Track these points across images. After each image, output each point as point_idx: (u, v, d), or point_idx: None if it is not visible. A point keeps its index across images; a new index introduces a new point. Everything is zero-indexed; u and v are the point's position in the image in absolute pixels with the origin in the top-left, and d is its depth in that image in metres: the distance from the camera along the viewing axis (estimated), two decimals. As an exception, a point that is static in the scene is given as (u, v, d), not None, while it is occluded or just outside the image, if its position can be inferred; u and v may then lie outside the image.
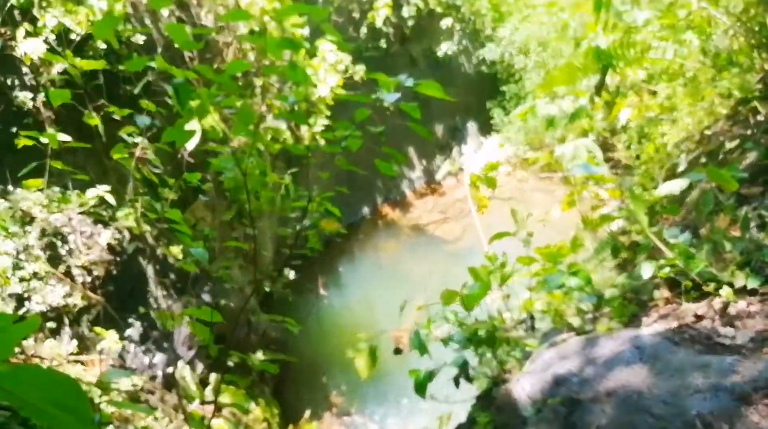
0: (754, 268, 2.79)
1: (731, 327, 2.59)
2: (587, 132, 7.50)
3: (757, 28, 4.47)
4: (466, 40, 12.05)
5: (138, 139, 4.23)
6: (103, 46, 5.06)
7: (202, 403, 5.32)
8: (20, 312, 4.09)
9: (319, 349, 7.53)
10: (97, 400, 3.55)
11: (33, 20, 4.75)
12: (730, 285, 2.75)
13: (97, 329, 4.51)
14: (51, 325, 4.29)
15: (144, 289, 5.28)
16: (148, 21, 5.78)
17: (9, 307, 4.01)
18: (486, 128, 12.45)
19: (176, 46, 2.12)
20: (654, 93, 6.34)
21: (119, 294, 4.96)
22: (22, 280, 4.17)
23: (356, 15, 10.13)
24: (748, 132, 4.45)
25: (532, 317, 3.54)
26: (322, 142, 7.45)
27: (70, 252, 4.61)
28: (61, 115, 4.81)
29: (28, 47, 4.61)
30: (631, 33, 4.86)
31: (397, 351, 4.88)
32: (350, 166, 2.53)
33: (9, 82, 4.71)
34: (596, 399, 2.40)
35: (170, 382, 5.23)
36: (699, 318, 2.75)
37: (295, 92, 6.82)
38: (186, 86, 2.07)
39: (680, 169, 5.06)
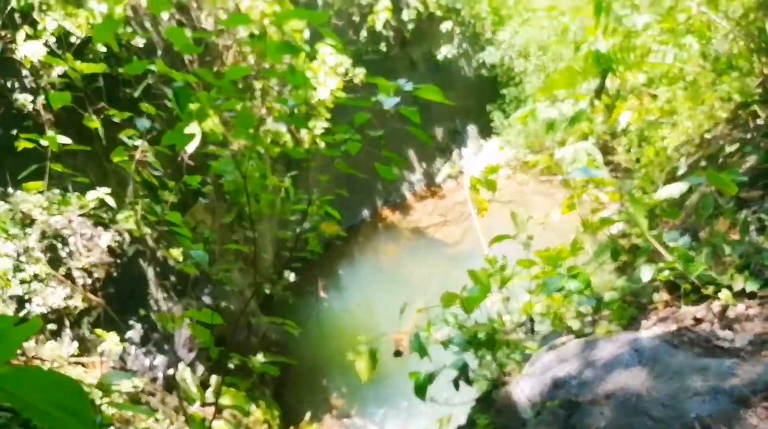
0: (754, 271, 2.79)
1: (730, 330, 2.60)
2: (587, 135, 7.52)
3: (756, 33, 4.48)
4: (466, 43, 12.07)
5: (138, 142, 4.23)
6: (103, 49, 5.07)
7: (203, 405, 5.32)
8: (21, 314, 4.09)
9: (319, 351, 7.53)
10: (98, 402, 3.55)
11: (33, 23, 4.77)
12: (729, 288, 2.76)
13: (98, 331, 4.51)
14: (52, 327, 4.30)
15: (144, 292, 5.28)
16: (148, 24, 5.80)
17: (10, 309, 4.01)
18: (486, 131, 12.46)
19: (176, 49, 2.13)
20: (654, 96, 6.35)
21: (120, 296, 4.96)
22: (22, 282, 4.18)
23: (356, 18, 10.15)
24: (748, 136, 4.46)
25: (531, 320, 3.54)
26: (322, 145, 7.46)
27: (70, 254, 4.62)
28: (61, 117, 4.82)
29: (28, 50, 4.63)
30: (631, 37, 4.87)
31: (397, 353, 4.88)
32: (350, 169, 2.54)
33: (9, 84, 4.72)
34: (595, 402, 2.40)
35: (171, 384, 5.23)
36: (698, 321, 2.76)
37: (294, 95, 6.84)
38: (186, 90, 2.08)
39: (680, 172, 5.07)
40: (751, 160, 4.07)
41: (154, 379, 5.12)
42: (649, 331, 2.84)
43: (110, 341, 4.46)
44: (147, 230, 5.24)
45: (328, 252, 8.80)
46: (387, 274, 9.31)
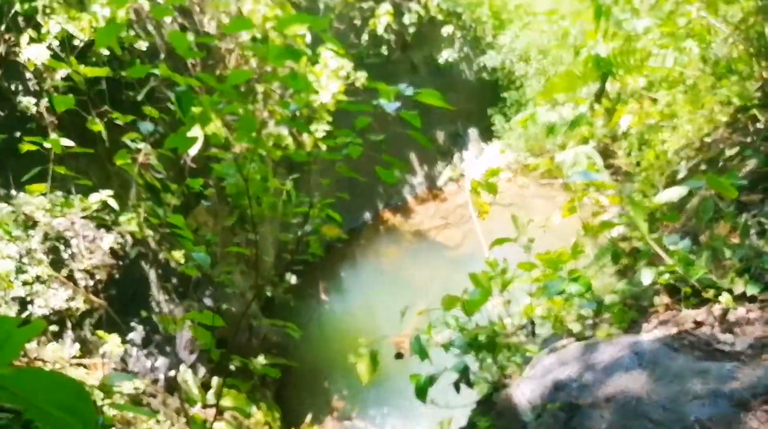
0: (754, 275, 2.79)
1: (730, 333, 2.60)
2: (587, 139, 7.53)
3: (755, 37, 4.50)
4: (467, 47, 12.09)
5: (141, 145, 4.25)
6: (107, 52, 5.10)
7: (204, 406, 5.33)
8: (23, 315, 4.11)
9: (320, 353, 7.54)
10: (99, 403, 3.56)
11: (37, 27, 4.79)
12: (730, 292, 2.76)
13: (100, 333, 4.53)
14: (53, 328, 4.32)
15: (146, 293, 5.30)
16: (150, 27, 5.82)
17: (12, 311, 4.03)
18: (487, 134, 12.47)
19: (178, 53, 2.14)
20: (654, 100, 6.37)
21: (121, 298, 4.98)
22: (25, 283, 4.20)
23: (358, 22, 10.18)
24: (748, 139, 4.47)
25: (532, 323, 3.55)
26: (323, 148, 7.47)
27: (72, 256, 4.64)
28: (65, 120, 4.84)
29: (32, 53, 4.65)
30: (631, 41, 4.89)
31: (398, 356, 4.88)
32: (351, 173, 2.55)
33: (13, 87, 4.74)
34: (595, 404, 2.41)
35: (172, 386, 5.24)
36: (698, 324, 2.76)
37: (296, 99, 6.85)
38: (188, 94, 2.09)
39: (680, 176, 5.07)
40: (751, 163, 4.08)
41: (155, 381, 5.13)
42: (650, 334, 2.84)
43: (112, 343, 4.47)
44: (149, 232, 5.25)
45: (330, 255, 8.81)
46: (388, 277, 9.32)
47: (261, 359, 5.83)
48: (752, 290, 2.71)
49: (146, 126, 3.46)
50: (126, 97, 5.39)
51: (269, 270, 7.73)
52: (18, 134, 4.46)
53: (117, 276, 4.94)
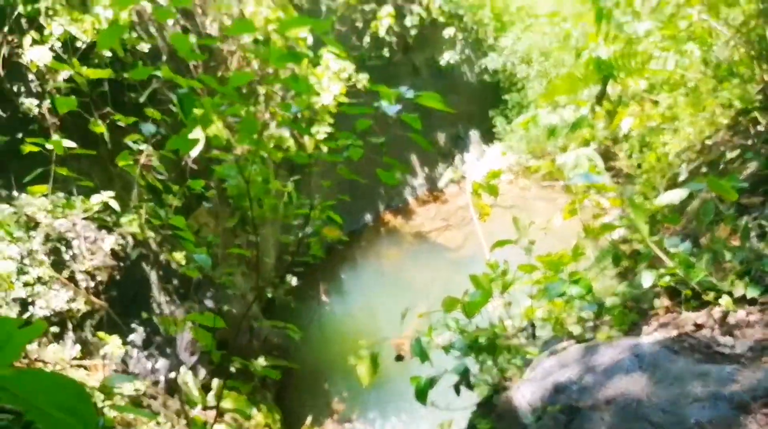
0: (754, 277, 2.80)
1: (730, 336, 2.60)
2: (589, 141, 7.53)
3: (756, 40, 4.50)
4: (468, 49, 12.11)
5: (143, 147, 4.26)
6: (109, 54, 5.11)
7: (205, 408, 5.33)
8: (24, 316, 4.11)
9: (320, 355, 7.54)
10: (100, 405, 3.57)
11: (39, 28, 4.81)
12: (730, 294, 2.77)
13: (100, 334, 4.53)
14: (54, 329, 4.32)
15: (147, 295, 5.30)
16: (153, 29, 5.84)
17: (13, 312, 4.03)
18: (488, 136, 12.48)
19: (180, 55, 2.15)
20: (655, 103, 6.37)
21: (122, 299, 4.98)
22: (26, 284, 4.20)
23: (359, 24, 10.19)
24: (749, 142, 4.47)
25: (533, 325, 3.55)
26: (324, 150, 7.48)
27: (74, 257, 4.64)
28: (67, 121, 4.86)
29: (35, 55, 4.67)
30: (632, 43, 4.89)
31: (399, 358, 4.89)
32: (352, 175, 2.56)
33: (15, 88, 4.76)
34: (596, 407, 2.41)
35: (173, 388, 5.25)
36: (699, 327, 2.76)
37: (297, 101, 6.87)
38: (190, 96, 2.10)
39: (681, 178, 5.08)
40: (752, 166, 4.08)
41: (155, 383, 5.13)
42: (650, 336, 2.84)
43: (112, 344, 4.48)
44: (150, 234, 5.26)
45: (330, 256, 8.81)
46: (389, 279, 9.32)
47: (261, 361, 5.83)
48: (752, 293, 2.72)
49: (148, 128, 3.48)
50: (128, 98, 5.40)
51: (270, 271, 7.74)
52: (20, 135, 4.47)
53: (118, 277, 4.95)
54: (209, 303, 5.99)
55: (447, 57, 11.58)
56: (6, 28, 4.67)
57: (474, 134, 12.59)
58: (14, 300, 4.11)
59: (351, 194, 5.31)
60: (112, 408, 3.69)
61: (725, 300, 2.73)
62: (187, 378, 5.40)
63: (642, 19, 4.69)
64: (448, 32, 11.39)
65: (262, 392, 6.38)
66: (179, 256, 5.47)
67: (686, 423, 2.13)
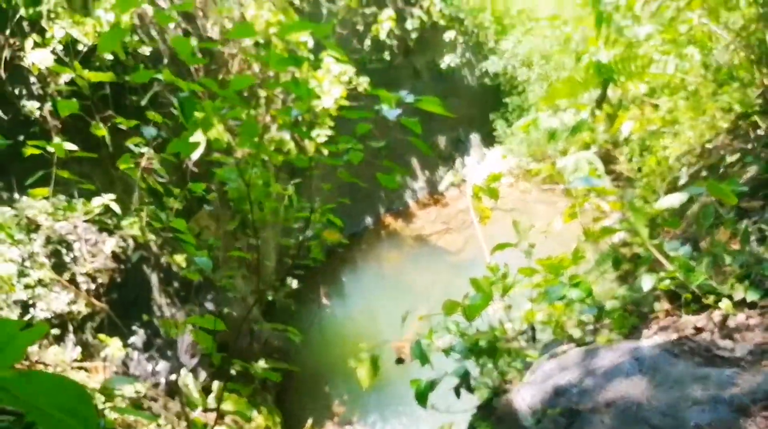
0: (754, 281, 2.80)
1: (730, 339, 2.61)
2: (589, 145, 7.54)
3: (756, 44, 4.51)
4: (469, 52, 12.12)
5: (144, 150, 4.27)
6: (110, 57, 5.12)
7: (205, 410, 5.33)
8: (25, 318, 4.12)
9: (321, 358, 7.54)
10: (101, 407, 3.57)
11: (41, 31, 4.83)
12: (730, 298, 2.77)
13: (101, 336, 4.54)
14: (55, 331, 4.33)
15: (148, 297, 5.31)
16: (154, 33, 5.85)
17: (14, 314, 4.04)
18: (489, 140, 12.49)
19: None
20: (656, 106, 6.38)
21: (123, 302, 4.99)
22: (27, 287, 4.21)
23: (360, 28, 10.21)
24: (749, 146, 4.47)
25: (533, 328, 3.55)
26: (325, 153, 7.48)
27: (74, 260, 4.65)
28: (68, 124, 4.87)
29: (36, 57, 4.68)
30: (632, 47, 4.90)
31: (399, 361, 4.89)
32: (352, 179, 2.57)
33: (17, 91, 4.77)
34: (596, 410, 2.41)
35: (173, 390, 5.25)
36: (698, 330, 2.77)
37: (298, 104, 6.87)
38: (191, 100, 2.11)
39: (681, 182, 5.08)
40: (752, 170, 4.09)
41: (156, 385, 5.14)
42: (650, 340, 2.85)
43: (113, 346, 4.49)
44: (151, 236, 5.27)
45: (331, 259, 8.82)
46: (389, 282, 9.32)
47: (262, 363, 5.83)
48: (752, 296, 2.72)
49: (149, 131, 3.49)
50: (129, 101, 5.41)
51: (271, 274, 7.74)
52: (21, 138, 4.47)
53: (119, 280, 4.96)
54: (210, 306, 6.00)
55: (448, 60, 11.60)
56: (8, 31, 4.69)
57: (474, 137, 12.60)
58: (15, 302, 4.12)
59: (351, 197, 5.31)
60: (112, 410, 3.69)
61: (725, 303, 2.73)
62: (187, 380, 5.40)
63: (642, 22, 4.70)
64: (449, 35, 11.41)
65: (263, 395, 6.38)
66: (180, 258, 5.47)
67: (686, 426, 2.13)
